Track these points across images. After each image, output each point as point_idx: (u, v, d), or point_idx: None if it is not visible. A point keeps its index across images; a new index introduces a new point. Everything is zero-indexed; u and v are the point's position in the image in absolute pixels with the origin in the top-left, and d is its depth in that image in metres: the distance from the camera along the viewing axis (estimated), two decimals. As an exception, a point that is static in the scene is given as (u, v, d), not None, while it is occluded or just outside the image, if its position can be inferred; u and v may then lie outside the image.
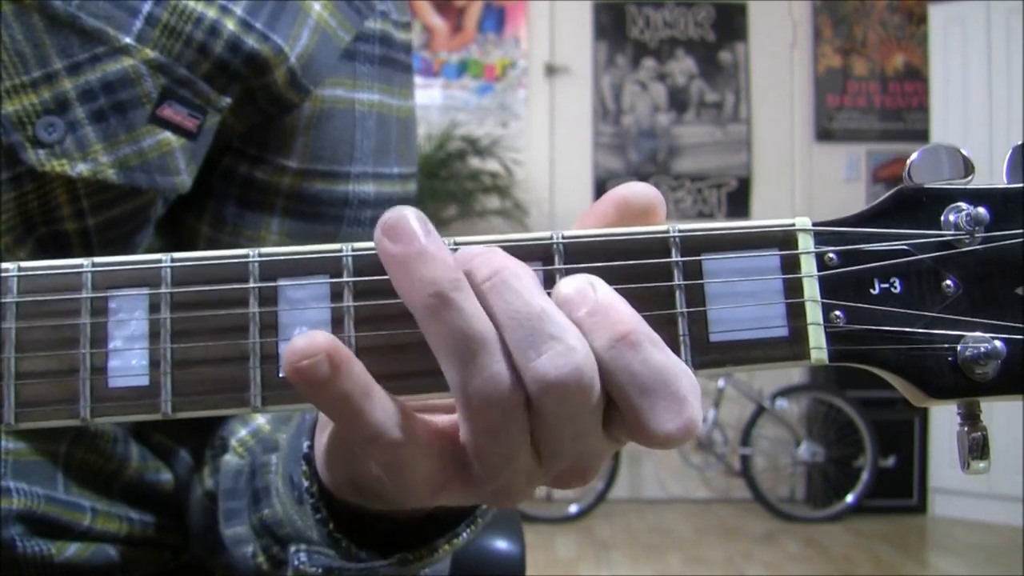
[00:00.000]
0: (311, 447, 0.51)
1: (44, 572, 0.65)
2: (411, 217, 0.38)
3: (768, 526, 4.36)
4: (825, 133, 4.97)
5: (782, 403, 4.57)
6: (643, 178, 4.90)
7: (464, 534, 0.52)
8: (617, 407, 0.38)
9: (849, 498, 4.42)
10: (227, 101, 0.65)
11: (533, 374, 0.37)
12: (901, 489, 4.51)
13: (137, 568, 0.70)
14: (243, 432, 0.69)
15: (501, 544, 0.85)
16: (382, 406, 0.38)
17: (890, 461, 4.45)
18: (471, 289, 0.38)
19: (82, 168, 0.61)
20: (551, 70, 4.94)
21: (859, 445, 4.40)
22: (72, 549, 0.66)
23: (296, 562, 0.54)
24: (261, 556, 0.62)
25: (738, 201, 4.93)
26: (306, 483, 0.51)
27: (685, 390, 0.38)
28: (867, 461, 4.37)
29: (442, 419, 0.42)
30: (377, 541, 0.53)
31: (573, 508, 4.42)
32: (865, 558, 3.87)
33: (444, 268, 0.37)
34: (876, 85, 4.97)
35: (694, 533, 4.26)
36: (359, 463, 0.45)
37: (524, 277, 0.38)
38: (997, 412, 4.01)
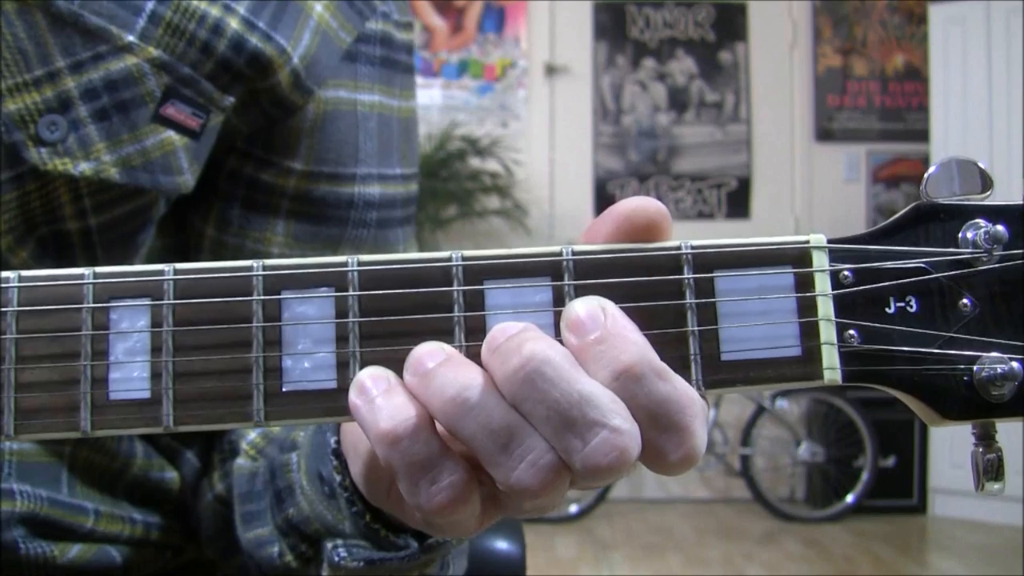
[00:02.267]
0: (339, 442, 0.51)
1: (46, 574, 0.65)
2: (422, 351, 0.39)
3: (768, 526, 4.36)
4: (825, 133, 4.96)
5: (782, 403, 4.57)
6: (643, 178, 4.90)
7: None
8: None
9: (849, 498, 4.42)
10: (230, 100, 0.65)
11: (582, 463, 0.36)
12: (901, 489, 4.51)
13: (139, 569, 0.70)
14: (253, 435, 0.68)
15: (501, 544, 0.85)
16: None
17: (890, 461, 4.45)
18: (487, 382, 0.37)
19: (84, 167, 0.61)
20: (551, 70, 4.93)
21: (859, 445, 4.40)
22: (74, 551, 0.66)
23: (336, 558, 0.55)
24: (289, 555, 0.62)
25: (738, 201, 4.93)
26: (338, 478, 0.52)
27: (688, 420, 0.37)
28: (867, 461, 4.37)
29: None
30: (404, 525, 0.53)
31: (573, 508, 4.42)
32: (865, 558, 3.87)
33: (455, 372, 0.38)
34: (876, 85, 4.96)
35: (694, 533, 4.26)
36: (394, 508, 0.47)
37: (556, 360, 0.37)
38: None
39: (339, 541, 0.56)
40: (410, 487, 0.38)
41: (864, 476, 4.39)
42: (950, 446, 4.39)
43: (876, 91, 4.96)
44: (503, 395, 0.37)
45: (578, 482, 0.37)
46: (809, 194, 4.90)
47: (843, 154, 4.95)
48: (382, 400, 0.38)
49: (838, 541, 4.09)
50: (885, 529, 4.26)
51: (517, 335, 0.37)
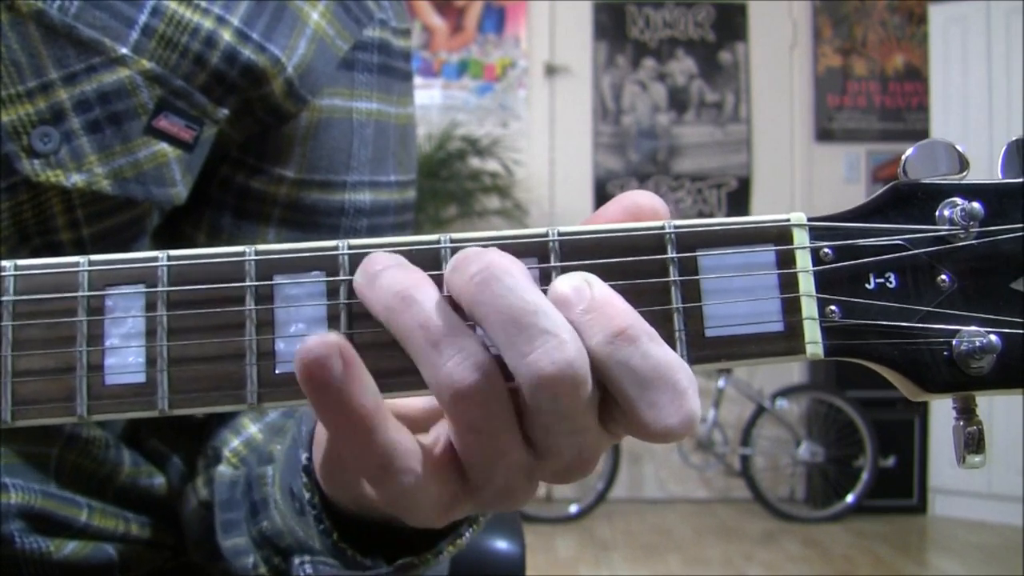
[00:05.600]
0: (310, 459, 0.50)
1: (43, 569, 0.65)
2: (375, 256, 0.39)
3: (768, 526, 4.36)
4: (825, 133, 4.97)
5: (782, 403, 4.57)
6: (643, 178, 4.91)
7: (466, 534, 0.52)
8: (616, 402, 0.38)
9: (849, 498, 4.42)
10: (224, 113, 0.65)
11: (527, 369, 0.36)
12: (901, 489, 4.51)
13: (136, 567, 0.70)
14: (236, 442, 0.68)
15: (501, 544, 0.85)
16: (395, 427, 0.38)
17: (890, 461, 4.45)
18: (434, 286, 0.38)
19: (77, 179, 0.61)
20: (551, 70, 4.93)
21: (859, 445, 4.40)
22: (70, 547, 0.66)
23: (302, 574, 0.54)
24: (263, 567, 0.62)
25: (738, 201, 4.93)
26: (307, 495, 0.51)
27: (683, 383, 0.38)
28: (867, 461, 4.37)
29: (441, 441, 0.41)
30: (380, 545, 0.52)
31: (573, 508, 4.42)
32: (865, 558, 3.87)
33: (405, 273, 0.38)
34: (876, 85, 4.97)
35: (694, 533, 4.26)
36: (359, 487, 0.45)
37: (515, 272, 0.37)
38: (997, 412, 4.02)
39: (307, 557, 0.55)
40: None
41: (864, 476, 4.39)
42: (950, 446, 4.37)
43: (876, 91, 4.96)
44: (457, 302, 0.38)
45: (529, 415, 0.38)
46: (809, 194, 4.90)
47: (843, 154, 4.96)
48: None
49: (838, 541, 4.09)
50: (885, 529, 4.26)
51: (481, 251, 0.38)
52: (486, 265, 0.37)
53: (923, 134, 4.75)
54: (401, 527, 0.50)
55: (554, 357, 0.36)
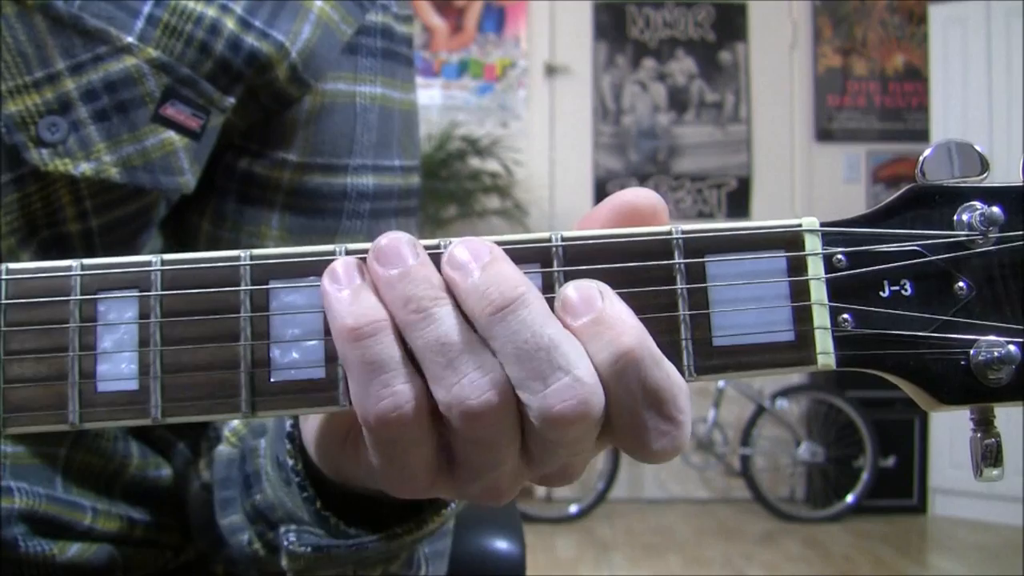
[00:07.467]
0: (295, 426, 0.51)
1: (46, 572, 0.65)
2: (403, 241, 0.38)
3: (768, 526, 4.36)
4: (825, 133, 4.96)
5: (782, 403, 4.57)
6: (643, 178, 4.91)
7: (451, 505, 0.52)
8: (609, 416, 0.37)
9: (849, 498, 4.42)
10: (230, 101, 0.65)
11: (539, 405, 0.36)
12: (901, 489, 4.51)
13: (139, 568, 0.70)
14: (236, 422, 0.68)
15: (501, 544, 0.85)
16: None
17: (890, 461, 4.45)
18: (449, 301, 0.37)
19: (85, 168, 0.61)
20: (551, 70, 4.93)
21: (859, 445, 4.40)
22: (74, 549, 0.66)
23: (286, 542, 0.54)
24: (257, 543, 0.62)
25: (738, 201, 4.93)
26: (291, 462, 0.52)
27: (677, 409, 0.37)
28: (867, 461, 4.37)
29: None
30: (365, 518, 0.53)
31: (573, 508, 4.42)
32: (865, 558, 3.87)
33: (427, 286, 0.37)
34: (876, 85, 4.96)
35: (694, 533, 4.26)
36: (348, 460, 0.45)
37: (533, 303, 0.37)
38: (997, 413, 4.01)
39: (292, 526, 0.55)
40: (361, 388, 0.37)
41: (864, 476, 4.40)
42: (950, 446, 4.39)
43: (876, 91, 4.96)
44: (472, 321, 0.37)
45: (532, 432, 0.37)
46: (809, 194, 4.90)
47: (843, 154, 4.95)
48: (350, 295, 0.37)
49: (838, 541, 4.09)
50: (885, 529, 4.26)
51: (493, 266, 0.37)
52: (508, 299, 0.37)
53: (923, 134, 4.75)
54: (386, 501, 0.51)
55: (566, 396, 0.36)
